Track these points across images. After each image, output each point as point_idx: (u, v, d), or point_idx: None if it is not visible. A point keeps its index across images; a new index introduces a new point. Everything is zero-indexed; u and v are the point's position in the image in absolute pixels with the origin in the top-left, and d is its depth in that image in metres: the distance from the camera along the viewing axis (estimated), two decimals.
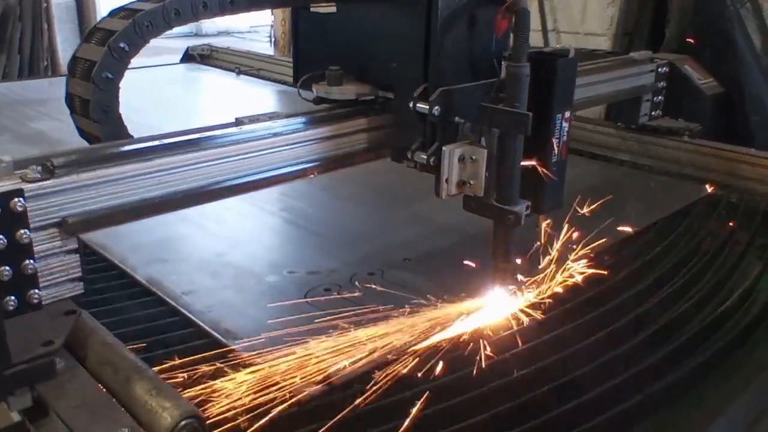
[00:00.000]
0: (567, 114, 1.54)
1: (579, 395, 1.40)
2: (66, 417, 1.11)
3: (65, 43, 7.44)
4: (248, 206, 2.48)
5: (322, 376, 1.43)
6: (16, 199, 1.21)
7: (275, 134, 1.56)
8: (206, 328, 1.66)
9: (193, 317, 1.72)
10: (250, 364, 1.45)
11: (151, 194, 1.40)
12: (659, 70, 2.74)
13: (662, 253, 2.08)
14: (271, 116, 1.60)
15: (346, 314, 1.64)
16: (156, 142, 1.45)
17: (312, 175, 1.66)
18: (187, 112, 3.88)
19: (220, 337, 1.62)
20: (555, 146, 1.54)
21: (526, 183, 1.53)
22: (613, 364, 1.52)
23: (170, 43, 10.52)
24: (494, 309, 1.66)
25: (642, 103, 2.75)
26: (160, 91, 4.50)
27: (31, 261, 1.25)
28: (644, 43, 4.01)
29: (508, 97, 1.43)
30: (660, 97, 2.80)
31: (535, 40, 4.50)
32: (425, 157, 1.49)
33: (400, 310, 1.64)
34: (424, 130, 1.50)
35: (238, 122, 1.57)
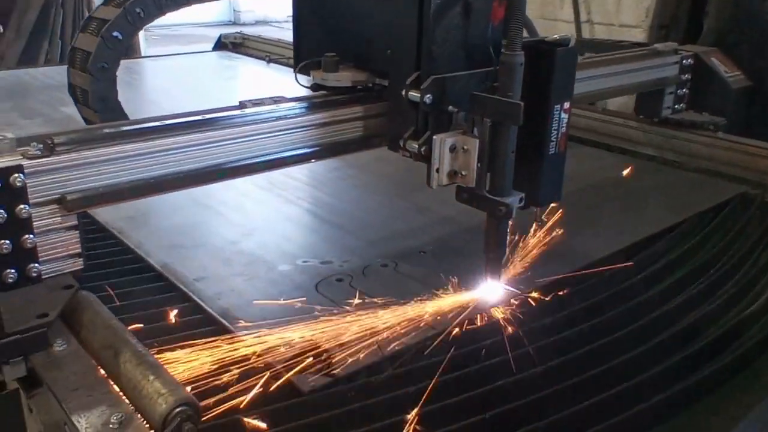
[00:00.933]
0: (566, 105, 1.50)
1: (594, 395, 1.38)
2: (63, 399, 1.13)
3: None
4: (266, 194, 2.48)
5: (324, 367, 1.44)
6: (15, 175, 1.25)
7: (273, 119, 1.56)
8: (214, 314, 1.67)
9: (202, 303, 1.73)
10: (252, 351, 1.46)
11: (151, 174, 1.43)
12: (684, 62, 2.67)
13: (689, 253, 2.04)
14: (275, 100, 1.61)
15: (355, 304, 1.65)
16: (157, 123, 1.48)
17: (312, 161, 1.66)
18: (214, 99, 3.90)
19: (227, 324, 1.62)
20: (553, 138, 1.51)
21: (522, 175, 1.50)
22: (630, 365, 1.49)
23: (208, 31, 10.68)
24: (497, 302, 1.65)
25: (665, 96, 2.69)
26: (190, 78, 4.55)
27: (31, 236, 1.30)
28: (681, 36, 3.91)
29: (501, 85, 1.40)
30: (684, 90, 2.72)
31: (567, 31, 4.41)
32: (417, 146, 1.47)
33: (406, 301, 1.64)
34: (416, 118, 1.48)
35: (242, 105, 1.58)
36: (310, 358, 1.44)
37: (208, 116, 1.53)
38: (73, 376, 1.19)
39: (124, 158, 1.39)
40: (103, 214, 2.19)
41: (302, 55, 1.76)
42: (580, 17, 4.56)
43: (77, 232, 1.37)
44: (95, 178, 1.36)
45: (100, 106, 1.54)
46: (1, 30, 6.27)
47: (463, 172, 1.46)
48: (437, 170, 1.45)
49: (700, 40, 3.49)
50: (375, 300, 1.67)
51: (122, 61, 5.07)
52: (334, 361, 1.45)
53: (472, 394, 1.39)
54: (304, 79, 1.76)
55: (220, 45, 5.24)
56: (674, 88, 2.71)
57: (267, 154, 1.57)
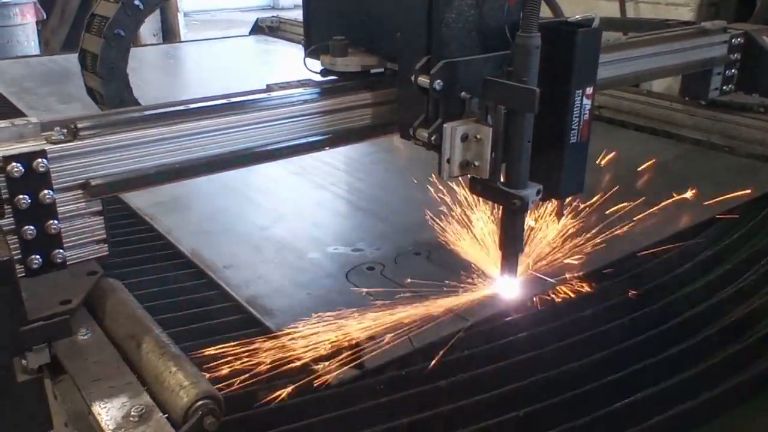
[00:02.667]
0: (589, 90, 1.39)
1: (635, 392, 1.32)
2: (85, 390, 1.12)
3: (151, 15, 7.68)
4: (298, 178, 2.45)
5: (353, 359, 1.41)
6: (39, 160, 1.25)
7: (299, 102, 1.53)
8: (243, 303, 1.65)
9: (231, 291, 1.71)
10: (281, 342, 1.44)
11: (175, 159, 1.41)
12: (733, 41, 2.49)
13: (738, 243, 1.95)
14: (302, 83, 1.58)
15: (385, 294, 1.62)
16: (180, 107, 1.46)
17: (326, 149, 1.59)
18: (247, 84, 3.86)
19: (256, 313, 1.60)
20: (574, 126, 1.41)
21: (541, 165, 1.41)
22: (676, 360, 1.44)
23: (247, 16, 10.71)
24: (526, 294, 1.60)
25: (713, 77, 2.52)
26: (225, 62, 4.54)
27: (55, 221, 1.30)
28: (732, 14, 3.68)
29: (516, 70, 1.30)
30: (733, 71, 2.55)
31: (609, 10, 4.23)
32: (427, 134, 1.39)
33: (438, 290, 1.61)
34: (426, 105, 1.39)
35: (269, 89, 1.55)
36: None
37: (231, 100, 1.52)
38: (95, 365, 1.18)
39: (148, 143, 1.38)
40: (135, 199, 2.19)
41: (313, 38, 1.69)
42: None
43: (102, 217, 1.37)
44: (119, 163, 1.35)
45: (117, 106, 1.50)
46: (44, 17, 6.39)
47: (476, 163, 1.37)
48: (448, 160, 1.36)
49: (753, 18, 3.29)
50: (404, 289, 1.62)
51: (161, 46, 5.14)
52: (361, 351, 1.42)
53: (506, 390, 1.35)
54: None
55: (257, 29, 5.22)
56: (722, 69, 2.54)
57: (289, 140, 1.53)
